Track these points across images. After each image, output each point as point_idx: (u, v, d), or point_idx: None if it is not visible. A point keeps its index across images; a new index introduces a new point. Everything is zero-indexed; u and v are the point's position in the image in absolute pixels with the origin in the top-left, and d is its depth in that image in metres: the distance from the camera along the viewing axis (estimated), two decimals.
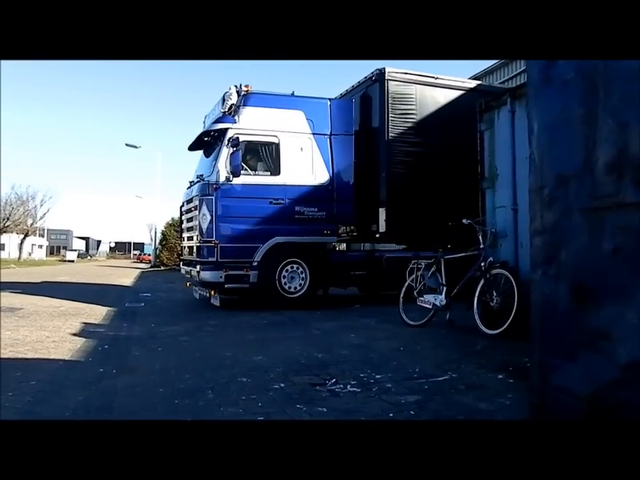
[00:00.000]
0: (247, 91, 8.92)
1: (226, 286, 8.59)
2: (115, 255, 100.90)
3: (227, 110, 9.00)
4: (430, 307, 6.47)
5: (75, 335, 5.62)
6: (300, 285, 9.08)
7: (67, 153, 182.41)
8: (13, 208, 47.68)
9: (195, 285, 9.70)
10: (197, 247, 8.96)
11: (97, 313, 7.47)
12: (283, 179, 9.03)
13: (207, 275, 8.63)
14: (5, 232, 48.55)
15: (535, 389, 2.80)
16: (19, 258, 49.10)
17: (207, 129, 9.33)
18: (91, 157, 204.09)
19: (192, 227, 9.37)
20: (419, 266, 6.81)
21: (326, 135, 9.40)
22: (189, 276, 9.62)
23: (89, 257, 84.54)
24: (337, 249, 10.75)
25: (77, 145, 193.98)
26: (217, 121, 9.04)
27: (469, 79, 13.03)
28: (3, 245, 54.39)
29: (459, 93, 10.03)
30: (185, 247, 10.43)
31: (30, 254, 58.09)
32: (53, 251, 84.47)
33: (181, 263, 10.76)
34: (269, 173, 9.04)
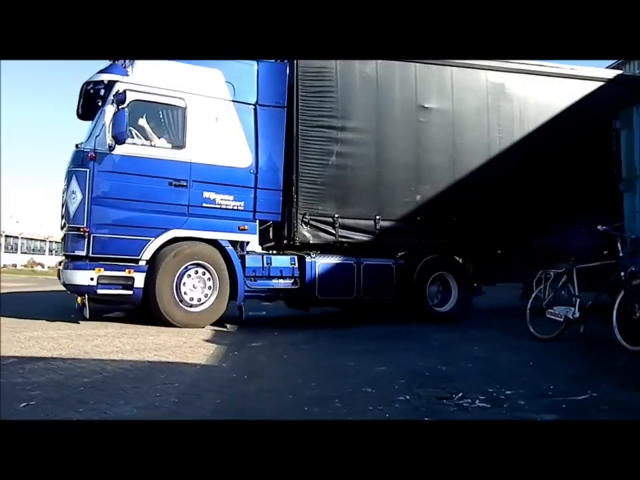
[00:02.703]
0: None
1: (99, 291, 6.57)
2: None
3: (116, 59, 6.92)
4: (561, 319, 6.06)
5: (207, 341, 6.02)
6: (205, 295, 7.12)
7: None
8: None
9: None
10: (63, 236, 7.01)
11: (225, 320, 7.87)
12: (188, 154, 7.05)
13: (71, 275, 6.63)
14: None
15: None
16: None
17: (88, 80, 7.06)
18: None
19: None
20: (548, 276, 6.41)
21: (251, 104, 7.49)
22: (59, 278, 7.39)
23: None
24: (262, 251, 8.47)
25: None
26: (102, 71, 6.93)
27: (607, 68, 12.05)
28: None
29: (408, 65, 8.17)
30: (61, 242, 8.21)
31: None
32: None
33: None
34: (170, 146, 7.05)
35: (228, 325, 7.31)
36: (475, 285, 8.80)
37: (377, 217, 7.96)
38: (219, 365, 4.86)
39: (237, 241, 7.48)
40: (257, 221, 7.64)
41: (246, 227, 7.44)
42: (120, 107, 6.55)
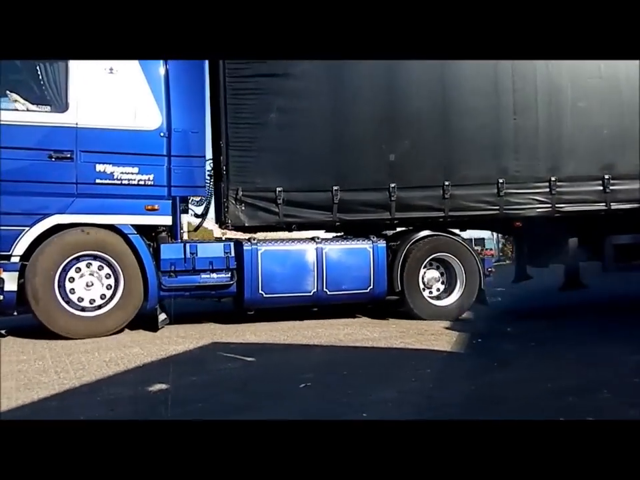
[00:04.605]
0: None
1: None
2: None
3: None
4: None
5: (448, 328, 6.07)
6: (106, 295, 5.74)
7: None
8: None
9: None
10: None
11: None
12: (72, 117, 5.60)
13: None
14: None
15: None
16: None
17: None
18: None
19: None
20: None
21: None
22: None
23: None
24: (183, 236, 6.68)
25: None
26: None
27: None
28: None
29: None
30: None
31: None
32: None
33: None
34: (48, 108, 5.66)
35: (161, 321, 6.08)
36: (490, 270, 7.02)
37: (335, 188, 6.37)
38: (465, 352, 4.91)
39: (148, 226, 6.06)
40: (172, 197, 6.08)
41: (156, 207, 5.94)
42: None
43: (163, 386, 3.77)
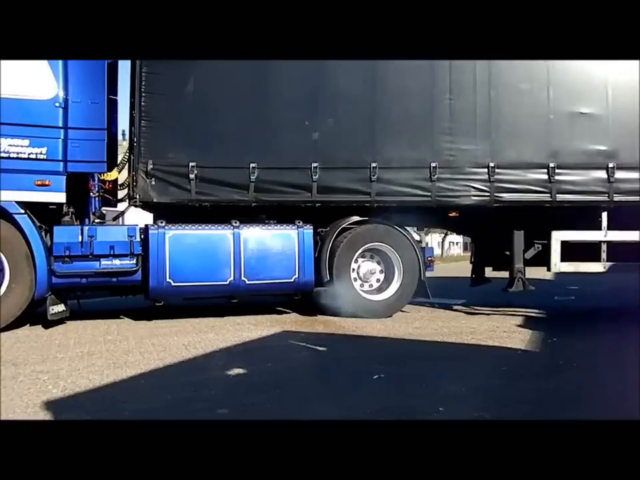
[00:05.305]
0: None
1: None
2: None
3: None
4: None
5: (520, 326, 5.94)
6: None
7: None
8: None
9: None
10: None
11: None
12: None
13: None
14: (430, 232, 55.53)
15: None
16: (441, 255, 55.10)
17: None
18: None
19: None
20: None
21: None
22: None
23: None
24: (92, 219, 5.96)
25: None
26: None
27: None
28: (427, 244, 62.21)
29: None
30: None
31: (448, 250, 64.51)
32: (466, 247, 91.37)
33: None
34: None
35: (56, 312, 5.58)
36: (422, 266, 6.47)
37: (252, 165, 5.98)
38: (540, 352, 4.78)
39: (38, 205, 5.48)
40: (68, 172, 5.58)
41: (47, 182, 5.42)
42: None
43: (241, 370, 3.96)
